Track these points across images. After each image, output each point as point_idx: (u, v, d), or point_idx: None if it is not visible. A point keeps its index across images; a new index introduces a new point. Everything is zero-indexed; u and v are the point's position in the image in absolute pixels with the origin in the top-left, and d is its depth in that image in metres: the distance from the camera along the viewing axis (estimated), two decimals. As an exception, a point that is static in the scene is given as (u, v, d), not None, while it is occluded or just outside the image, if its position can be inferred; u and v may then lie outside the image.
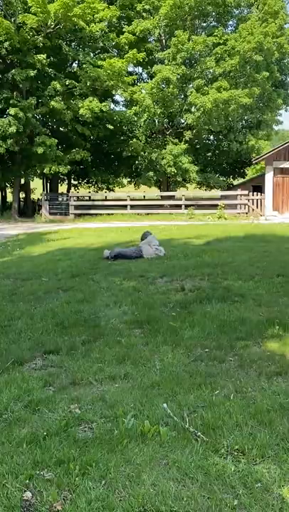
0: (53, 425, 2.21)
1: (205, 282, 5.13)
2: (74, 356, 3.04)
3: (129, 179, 25.88)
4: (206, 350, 3.16)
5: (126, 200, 19.13)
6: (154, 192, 24.25)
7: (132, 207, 18.86)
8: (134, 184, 25.22)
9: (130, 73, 19.82)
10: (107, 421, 2.24)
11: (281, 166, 17.26)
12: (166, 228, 12.30)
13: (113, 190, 24.39)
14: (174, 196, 20.62)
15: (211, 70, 18.58)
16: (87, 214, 18.04)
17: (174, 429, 2.15)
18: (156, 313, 3.83)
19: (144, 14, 18.09)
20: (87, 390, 2.58)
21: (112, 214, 18.12)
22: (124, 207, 19.03)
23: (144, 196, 22.80)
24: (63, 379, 2.74)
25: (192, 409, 2.34)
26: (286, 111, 20.51)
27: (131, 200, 19.22)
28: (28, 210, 19.94)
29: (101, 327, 3.54)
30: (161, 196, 21.29)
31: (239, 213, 17.48)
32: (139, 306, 4.06)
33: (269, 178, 17.43)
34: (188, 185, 23.95)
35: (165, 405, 2.35)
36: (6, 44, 15.17)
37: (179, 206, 18.70)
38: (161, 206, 19.83)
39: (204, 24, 19.33)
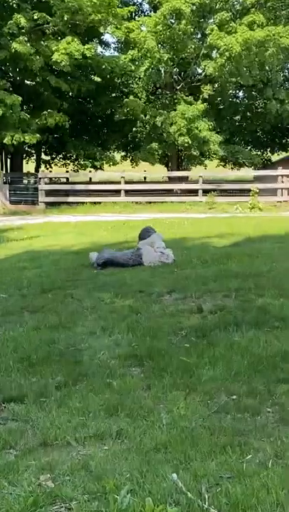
0: (15, 505, 2.15)
1: (231, 300, 5.07)
2: (45, 406, 2.99)
3: (123, 153, 24.02)
4: (234, 397, 3.11)
5: (119, 183, 18.09)
6: (158, 172, 22.85)
7: (128, 193, 17.83)
8: (131, 160, 24.23)
9: (125, 3, 19.46)
10: (92, 498, 2.17)
11: None
12: (177, 223, 11.93)
13: (101, 169, 22.74)
14: (187, 177, 19.72)
15: (240, -1, 21.09)
16: (63, 203, 17.82)
17: (187, 509, 2.08)
18: (162, 344, 3.72)
19: None
20: (64, 455, 2.51)
21: (100, 203, 17.28)
22: (117, 192, 18.04)
23: (145, 178, 21.36)
24: (30, 438, 2.68)
25: (214, 482, 2.28)
26: None
27: (126, 183, 18.22)
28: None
29: (83, 364, 3.44)
30: (169, 178, 20.24)
31: (280, 202, 17.19)
32: (138, 334, 3.97)
33: None
34: (207, 161, 22.88)
35: (175, 476, 2.27)
36: None
37: (194, 192, 17.91)
38: (169, 192, 18.83)
39: None
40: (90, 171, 22.30)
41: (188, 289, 5.59)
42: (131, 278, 6.37)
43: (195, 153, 19.32)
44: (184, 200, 18.12)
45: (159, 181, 22.38)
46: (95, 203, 18.00)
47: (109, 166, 21.84)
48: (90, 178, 22.02)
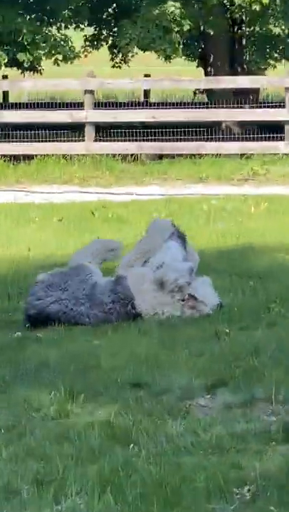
0: None
1: None
2: None
3: (91, 31, 25.03)
4: None
5: (78, 106, 17.81)
6: (180, 76, 22.42)
7: (104, 131, 17.69)
8: (112, 49, 23.96)
9: None
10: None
11: None
12: (229, 209, 12.05)
13: (37, 71, 23.39)
14: (256, 92, 19.15)
15: None
16: None
17: None
18: None
19: None
20: None
21: (32, 157, 17.25)
22: (75, 130, 18.00)
23: (147, 93, 20.53)
24: None
25: None
26: None
27: (98, 105, 17.63)
28: None
29: None
30: (210, 92, 19.23)
31: None
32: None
33: None
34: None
35: None
36: None
37: (274, 127, 17.03)
38: (209, 128, 18.26)
39: None
40: (3, 77, 20.32)
41: (259, 380, 5.13)
42: (110, 351, 5.75)
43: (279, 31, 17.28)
44: (249, 148, 16.82)
45: (184, 103, 20.77)
46: (14, 157, 17.14)
47: (56, 63, 20.37)
48: (5, 95, 20.26)
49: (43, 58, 20.42)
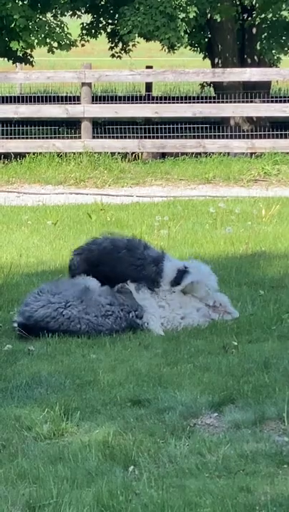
0: None
1: None
2: None
3: (89, 17, 25.16)
4: None
5: (74, 100, 18.06)
6: (185, 68, 21.17)
7: (102, 127, 18.05)
8: (111, 37, 24.04)
9: None
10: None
11: None
12: (239, 212, 12.31)
13: (29, 63, 23.40)
14: (268, 85, 19.33)
15: None
16: None
17: None
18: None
19: None
20: None
21: (24, 156, 17.49)
22: (72, 127, 18.36)
23: (150, 86, 20.47)
24: None
25: None
26: None
27: (96, 99, 17.85)
28: None
29: None
30: (217, 85, 19.54)
31: None
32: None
33: None
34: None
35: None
36: None
37: (286, 124, 17.16)
38: (216, 125, 18.48)
39: None
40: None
41: (269, 397, 5.09)
42: (108, 365, 5.78)
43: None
44: (260, 147, 17.02)
45: (190, 97, 21.17)
46: (4, 156, 17.48)
47: (50, 51, 20.62)
48: None
49: (36, 46, 20.14)
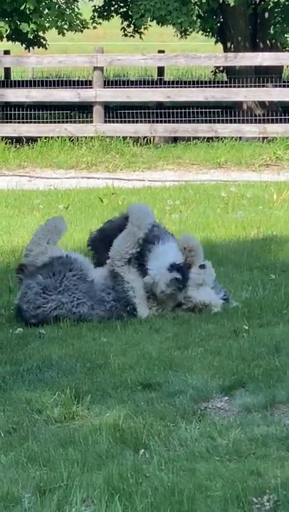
0: None
1: None
2: None
3: (104, 1, 24.91)
4: None
5: (86, 84, 18.04)
6: (197, 52, 22.35)
7: (113, 111, 17.74)
8: (127, 19, 23.83)
9: None
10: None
11: None
12: (250, 196, 12.29)
13: (42, 46, 23.31)
14: (280, 71, 19.30)
15: None
16: None
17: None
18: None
19: None
20: None
21: (35, 140, 17.41)
22: (84, 111, 18.31)
23: (162, 71, 20.53)
24: None
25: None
26: None
27: (108, 83, 17.51)
28: None
29: None
30: (230, 69, 19.23)
31: None
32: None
33: None
34: None
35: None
36: None
37: None
38: (228, 109, 18.38)
39: None
40: (4, 52, 21.04)
41: (280, 381, 5.09)
42: (119, 349, 5.79)
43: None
44: (272, 131, 17.03)
45: (202, 82, 21.15)
46: (16, 140, 17.43)
47: (61, 33, 20.21)
48: (7, 72, 21.08)
49: (48, 28, 19.95)
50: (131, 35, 22.28)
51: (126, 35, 22.21)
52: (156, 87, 19.74)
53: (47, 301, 6.91)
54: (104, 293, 7.04)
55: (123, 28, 22.35)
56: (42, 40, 21.17)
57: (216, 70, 21.59)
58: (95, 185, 14.25)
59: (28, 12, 19.16)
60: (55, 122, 18.32)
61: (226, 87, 19.35)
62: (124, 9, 22.27)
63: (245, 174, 15.52)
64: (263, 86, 18.62)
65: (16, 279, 7.59)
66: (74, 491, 4.31)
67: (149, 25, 21.89)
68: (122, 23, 22.54)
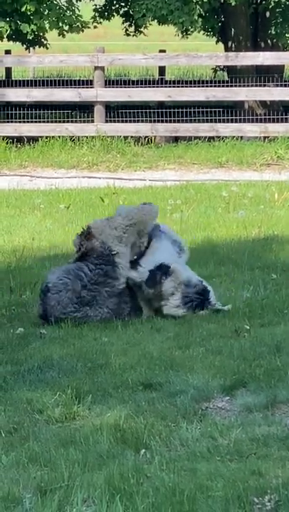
0: None
1: None
2: None
3: (104, 1, 24.81)
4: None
5: (87, 84, 18.01)
6: (197, 52, 22.34)
7: (114, 111, 17.70)
8: (125, 19, 23.74)
9: None
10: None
11: None
12: (251, 196, 12.38)
13: (43, 46, 23.15)
14: (281, 70, 19.38)
15: None
16: None
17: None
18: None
19: None
20: None
21: (36, 140, 17.38)
22: (84, 110, 18.26)
23: (163, 70, 20.39)
24: None
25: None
26: None
27: (109, 83, 17.47)
28: None
29: None
30: (231, 69, 19.27)
31: None
32: None
33: None
34: None
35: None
36: None
37: None
38: (229, 109, 18.35)
39: None
40: (5, 52, 20.96)
41: (281, 380, 5.11)
42: (120, 349, 5.82)
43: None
44: (273, 131, 17.07)
45: (203, 81, 21.33)
46: (17, 139, 17.33)
47: (61, 34, 20.27)
48: (8, 71, 21.04)
49: (48, 30, 19.89)
50: (134, 35, 22.05)
51: (128, 34, 22.00)
52: (157, 87, 19.57)
53: (75, 311, 6.99)
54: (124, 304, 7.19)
55: (125, 27, 22.19)
56: (43, 40, 20.95)
57: (217, 68, 21.31)
58: (96, 184, 14.25)
59: (28, 13, 19.02)
60: (56, 122, 18.22)
61: (227, 86, 19.01)
62: (126, 9, 21.87)
63: (246, 174, 15.51)
64: (264, 85, 18.57)
65: (76, 241, 7.40)
66: (75, 491, 4.28)
67: (150, 25, 21.73)
68: (122, 22, 22.31)
